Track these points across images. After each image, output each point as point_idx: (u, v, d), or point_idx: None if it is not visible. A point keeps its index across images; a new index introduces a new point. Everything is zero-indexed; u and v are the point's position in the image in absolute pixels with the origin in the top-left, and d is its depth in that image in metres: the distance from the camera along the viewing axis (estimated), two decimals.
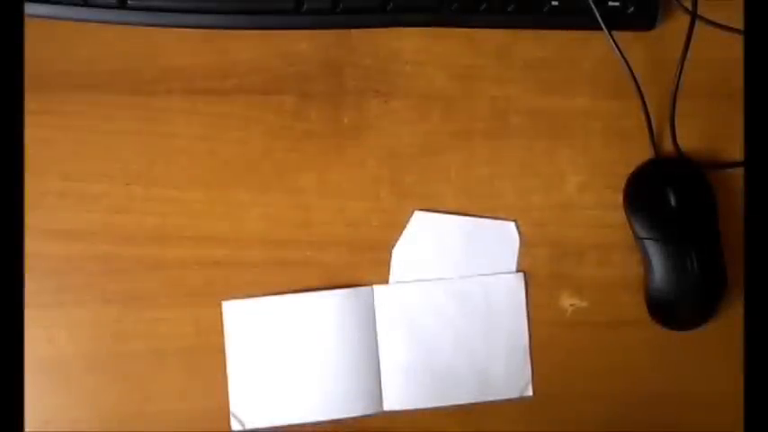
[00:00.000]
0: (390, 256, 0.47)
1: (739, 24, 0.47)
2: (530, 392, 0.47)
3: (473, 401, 0.47)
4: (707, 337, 0.48)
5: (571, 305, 0.48)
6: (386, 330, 0.47)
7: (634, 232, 0.47)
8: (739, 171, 0.48)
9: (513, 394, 0.47)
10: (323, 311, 0.47)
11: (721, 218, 0.47)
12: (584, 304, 0.48)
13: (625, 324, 0.48)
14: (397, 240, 0.47)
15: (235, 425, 0.46)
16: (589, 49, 0.48)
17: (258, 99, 0.47)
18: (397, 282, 0.47)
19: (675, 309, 0.47)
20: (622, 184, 0.48)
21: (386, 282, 0.47)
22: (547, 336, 0.48)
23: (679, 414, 0.49)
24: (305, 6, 0.46)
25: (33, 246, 0.45)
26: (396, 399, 0.47)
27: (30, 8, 0.45)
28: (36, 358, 0.46)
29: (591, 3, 0.46)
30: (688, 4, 0.47)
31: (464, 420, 0.47)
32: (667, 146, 0.48)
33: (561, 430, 0.48)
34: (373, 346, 0.47)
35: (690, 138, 0.48)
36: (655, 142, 0.48)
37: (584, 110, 0.48)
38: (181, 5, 0.46)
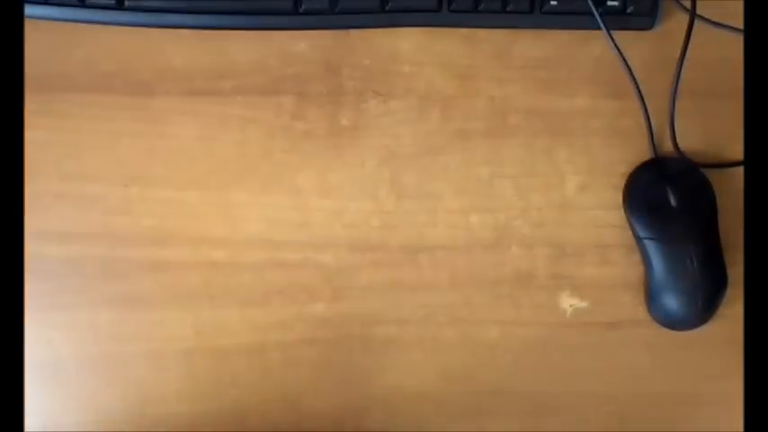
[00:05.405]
0: (389, 256, 0.47)
1: (738, 24, 0.47)
2: None
3: None
4: (707, 337, 0.48)
5: (571, 305, 0.48)
6: None
7: (634, 232, 0.47)
8: (739, 170, 0.48)
9: None
10: None
11: (721, 217, 0.47)
12: (584, 304, 0.48)
13: (625, 324, 0.48)
14: (395, 241, 0.47)
15: None
16: (588, 48, 0.48)
17: (257, 100, 0.47)
18: None
19: (675, 309, 0.47)
20: (622, 183, 0.48)
21: (383, 282, 0.47)
22: (547, 336, 0.48)
23: (679, 414, 0.49)
24: (303, 7, 0.46)
25: (32, 248, 0.45)
26: None
27: (28, 9, 0.45)
28: (35, 360, 0.46)
29: (590, 2, 0.46)
30: (687, 4, 0.47)
31: (464, 420, 0.47)
32: (667, 145, 0.48)
33: (561, 430, 0.48)
34: None
35: (689, 137, 0.48)
36: (654, 142, 0.48)
37: (584, 109, 0.48)
38: (178, 6, 0.45)
